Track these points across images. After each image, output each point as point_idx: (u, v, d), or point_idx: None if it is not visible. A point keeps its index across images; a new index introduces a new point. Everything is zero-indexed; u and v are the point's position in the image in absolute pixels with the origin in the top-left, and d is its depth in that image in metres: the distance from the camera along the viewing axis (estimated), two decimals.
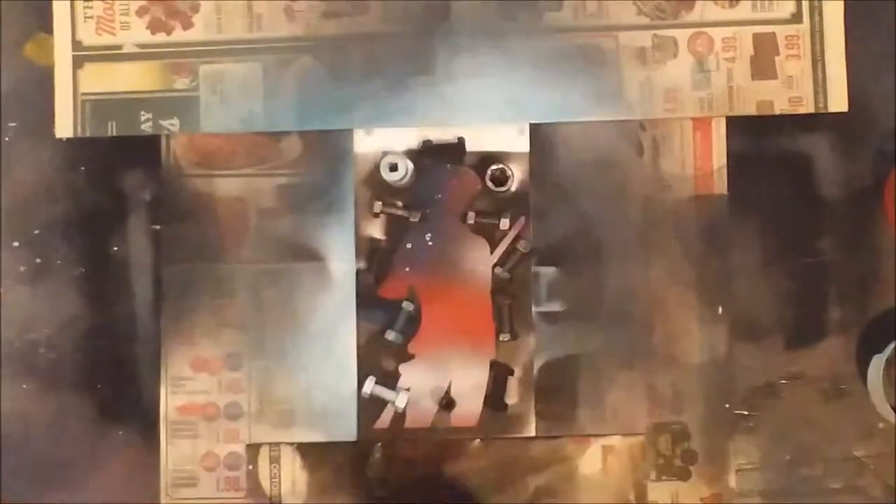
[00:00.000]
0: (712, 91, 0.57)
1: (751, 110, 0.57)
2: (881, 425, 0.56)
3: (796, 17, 0.57)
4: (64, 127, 0.57)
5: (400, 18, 0.57)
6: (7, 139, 0.58)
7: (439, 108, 0.57)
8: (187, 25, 0.57)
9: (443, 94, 0.57)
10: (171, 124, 0.57)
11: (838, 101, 0.57)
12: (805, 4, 0.57)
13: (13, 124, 0.58)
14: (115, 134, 0.57)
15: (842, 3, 0.57)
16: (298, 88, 0.57)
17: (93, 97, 0.57)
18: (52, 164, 0.57)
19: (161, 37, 0.57)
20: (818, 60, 0.57)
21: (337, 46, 0.57)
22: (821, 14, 0.57)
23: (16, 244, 0.57)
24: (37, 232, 0.57)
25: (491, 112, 0.57)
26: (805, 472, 0.56)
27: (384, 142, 0.57)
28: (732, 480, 0.56)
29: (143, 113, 0.57)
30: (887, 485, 0.56)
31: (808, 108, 0.57)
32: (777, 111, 0.57)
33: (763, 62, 0.57)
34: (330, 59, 0.57)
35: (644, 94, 0.57)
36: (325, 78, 0.57)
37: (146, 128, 0.57)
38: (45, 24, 0.58)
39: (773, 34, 0.57)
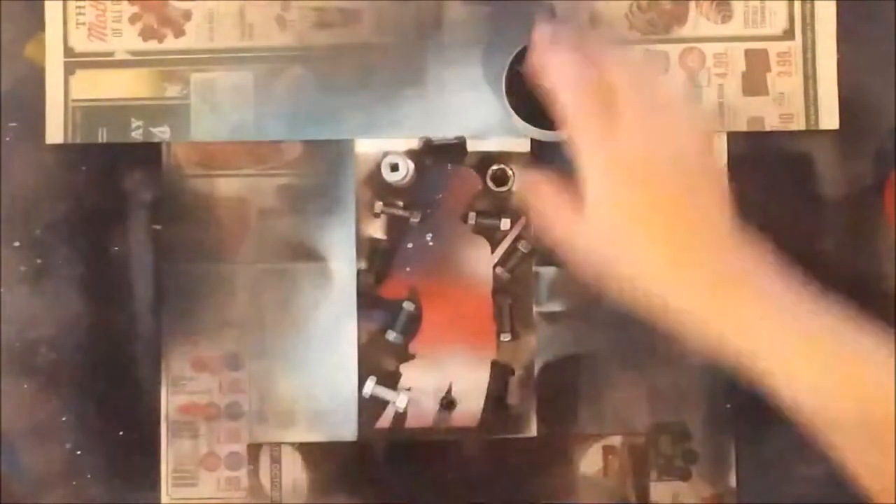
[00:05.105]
0: (703, 106, 0.57)
1: (742, 126, 0.57)
2: None
3: (788, 34, 0.57)
4: (54, 133, 0.57)
5: (392, 29, 0.57)
6: (7, 139, 0.57)
7: (430, 118, 0.57)
8: (179, 33, 0.57)
9: (434, 104, 0.57)
10: (162, 132, 0.57)
11: (829, 118, 0.57)
12: (797, 21, 0.57)
13: (13, 124, 0.58)
14: (105, 141, 0.57)
15: (834, 20, 0.57)
16: (289, 98, 0.57)
17: (84, 104, 0.57)
18: (53, 165, 0.57)
19: (153, 44, 0.57)
20: (810, 77, 0.57)
21: (328, 56, 0.57)
22: (813, 31, 0.57)
23: (17, 244, 0.57)
24: (38, 232, 0.57)
25: (482, 123, 0.57)
26: (805, 471, 0.56)
27: (385, 142, 0.57)
28: (733, 480, 0.56)
29: (133, 120, 0.57)
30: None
31: (798, 124, 0.57)
32: (768, 128, 0.57)
33: (754, 78, 0.57)
34: (321, 68, 0.57)
35: None
36: (316, 87, 0.57)
37: (137, 135, 0.57)
38: (45, 24, 0.58)
39: (765, 50, 0.57)
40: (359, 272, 0.57)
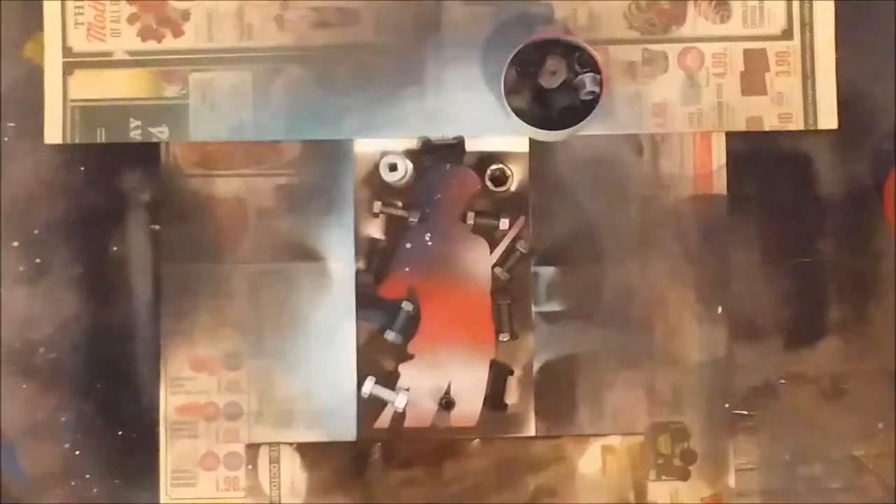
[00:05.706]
0: (702, 106, 0.57)
1: (740, 126, 0.57)
2: (881, 425, 0.56)
3: (787, 34, 0.57)
4: (53, 133, 0.57)
5: (390, 29, 0.57)
6: (6, 139, 0.58)
7: (429, 118, 0.57)
8: (178, 33, 0.57)
9: (433, 104, 0.57)
10: (161, 132, 0.57)
11: (828, 118, 0.57)
12: (796, 21, 0.57)
13: (12, 124, 0.58)
14: (104, 141, 0.57)
15: (833, 19, 0.57)
16: (288, 98, 0.57)
17: (82, 104, 0.57)
18: (52, 164, 0.57)
19: (152, 44, 0.57)
20: (808, 77, 0.57)
21: (327, 56, 0.57)
22: (811, 31, 0.57)
23: (15, 244, 0.57)
24: (36, 232, 0.57)
25: (481, 123, 0.57)
26: (804, 471, 0.56)
27: (384, 142, 0.57)
28: (732, 480, 0.56)
29: (132, 120, 0.57)
30: (887, 485, 0.56)
31: (797, 124, 0.57)
32: (766, 128, 0.57)
33: (753, 78, 0.57)
34: (320, 68, 0.57)
35: (633, 109, 0.57)
36: (315, 87, 0.57)
37: (135, 135, 0.57)
38: (43, 24, 0.58)
39: (764, 50, 0.57)
40: (357, 272, 0.57)
